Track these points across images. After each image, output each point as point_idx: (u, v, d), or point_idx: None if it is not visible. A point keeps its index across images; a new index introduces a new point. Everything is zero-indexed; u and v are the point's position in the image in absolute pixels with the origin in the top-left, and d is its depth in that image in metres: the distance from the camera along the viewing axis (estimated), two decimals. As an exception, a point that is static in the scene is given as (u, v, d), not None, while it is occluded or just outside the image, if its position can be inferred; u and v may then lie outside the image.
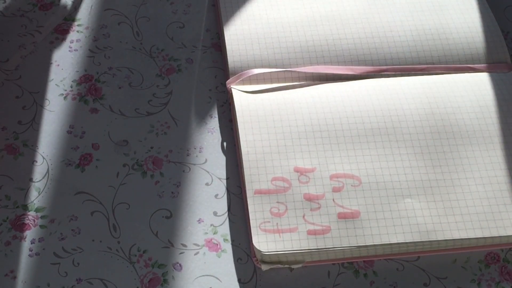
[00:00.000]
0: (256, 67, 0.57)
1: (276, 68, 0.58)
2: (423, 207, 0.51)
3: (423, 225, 0.50)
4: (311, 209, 0.50)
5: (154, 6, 0.64)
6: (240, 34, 0.59)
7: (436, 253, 0.50)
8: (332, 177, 0.52)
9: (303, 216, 0.50)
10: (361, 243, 0.49)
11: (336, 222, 0.50)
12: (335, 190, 0.51)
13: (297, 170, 0.52)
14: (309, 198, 0.51)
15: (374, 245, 0.49)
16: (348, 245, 0.49)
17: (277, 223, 0.49)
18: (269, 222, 0.49)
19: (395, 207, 0.50)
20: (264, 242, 0.48)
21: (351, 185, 0.51)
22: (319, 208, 0.50)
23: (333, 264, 0.50)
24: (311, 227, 0.49)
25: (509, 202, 0.51)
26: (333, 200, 0.51)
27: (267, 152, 0.53)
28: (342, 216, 0.50)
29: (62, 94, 0.58)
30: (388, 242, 0.49)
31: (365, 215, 0.50)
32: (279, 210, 0.50)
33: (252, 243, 0.49)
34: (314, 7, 0.61)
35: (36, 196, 0.52)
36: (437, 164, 0.53)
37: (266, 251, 0.48)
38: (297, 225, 0.49)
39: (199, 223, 0.51)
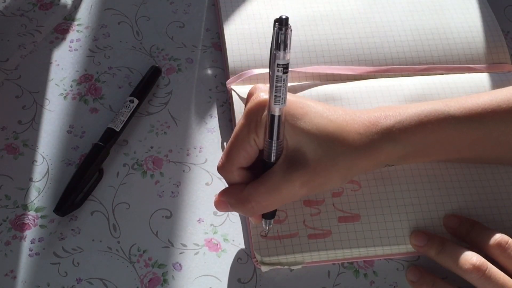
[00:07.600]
0: (256, 67, 0.57)
1: (276, 68, 0.58)
2: (423, 208, 0.50)
3: (423, 226, 0.50)
4: (311, 215, 0.50)
5: (154, 6, 0.64)
6: (240, 34, 0.59)
7: (436, 253, 0.50)
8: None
9: (303, 222, 0.50)
10: (361, 245, 0.49)
11: (336, 226, 0.49)
12: (335, 195, 0.51)
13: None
14: (308, 204, 0.50)
15: (374, 246, 0.49)
16: (349, 247, 0.49)
17: (277, 230, 0.49)
18: None
19: (395, 210, 0.50)
20: (265, 249, 0.48)
21: (351, 190, 0.51)
22: (319, 213, 0.50)
23: (333, 264, 0.50)
24: (312, 232, 0.49)
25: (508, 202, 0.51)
26: (333, 205, 0.50)
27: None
28: (343, 220, 0.50)
29: (62, 93, 0.58)
30: (388, 244, 0.49)
31: (365, 218, 0.50)
32: (279, 217, 0.50)
33: (252, 247, 0.49)
34: (314, 7, 0.61)
35: (36, 196, 0.52)
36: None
37: (267, 257, 0.48)
38: (297, 230, 0.49)
39: (199, 223, 0.51)
